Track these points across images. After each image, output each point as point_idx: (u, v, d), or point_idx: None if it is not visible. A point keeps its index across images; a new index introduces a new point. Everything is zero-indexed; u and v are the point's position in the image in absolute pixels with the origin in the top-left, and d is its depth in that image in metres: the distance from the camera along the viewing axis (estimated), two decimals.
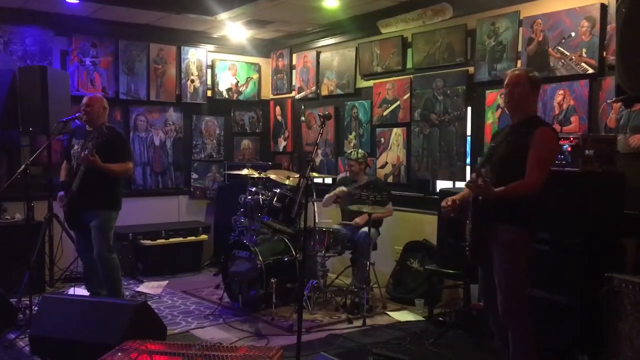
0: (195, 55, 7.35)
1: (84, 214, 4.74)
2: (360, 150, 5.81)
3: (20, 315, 4.66)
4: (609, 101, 4.26)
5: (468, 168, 5.43)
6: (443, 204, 3.48)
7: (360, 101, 6.55)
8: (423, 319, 5.07)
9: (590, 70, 4.44)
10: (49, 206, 5.61)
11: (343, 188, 5.66)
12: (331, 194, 5.73)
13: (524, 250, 3.26)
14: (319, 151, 7.00)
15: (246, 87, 7.83)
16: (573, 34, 4.54)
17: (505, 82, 3.36)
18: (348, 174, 5.86)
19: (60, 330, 3.79)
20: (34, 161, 4.79)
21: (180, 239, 6.82)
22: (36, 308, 4.42)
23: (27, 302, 4.59)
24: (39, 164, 5.72)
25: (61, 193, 4.82)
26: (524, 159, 3.17)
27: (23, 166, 4.56)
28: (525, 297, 3.30)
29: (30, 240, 5.16)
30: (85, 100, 4.85)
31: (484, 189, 3.07)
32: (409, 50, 5.95)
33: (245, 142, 7.92)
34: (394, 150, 6.15)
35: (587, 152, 3.89)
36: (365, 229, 5.26)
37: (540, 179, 3.15)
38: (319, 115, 6.81)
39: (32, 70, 5.61)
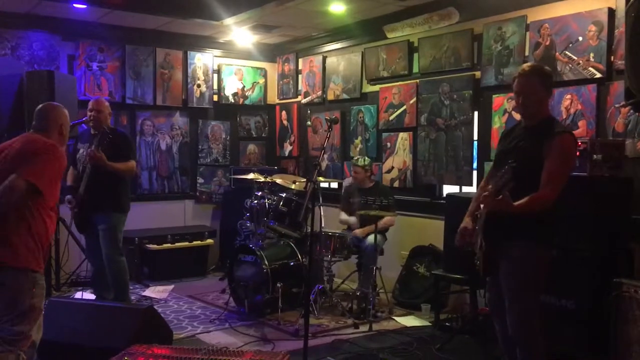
0: (202, 60, 7.37)
1: (93, 216, 4.76)
2: (366, 158, 5.80)
3: None
4: (617, 105, 4.25)
5: (475, 173, 5.42)
6: (459, 238, 3.26)
7: (367, 106, 6.55)
8: (429, 324, 5.05)
9: (598, 75, 4.42)
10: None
11: (354, 219, 5.64)
12: (347, 219, 5.74)
13: (534, 266, 3.04)
14: (325, 156, 7.00)
15: (252, 92, 7.84)
16: (580, 38, 4.53)
17: (515, 89, 3.10)
18: (353, 180, 5.86)
19: (67, 335, 3.79)
20: None
21: (186, 243, 6.82)
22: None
23: None
24: None
25: (69, 196, 4.83)
26: (540, 167, 2.94)
27: None
28: (537, 317, 3.07)
29: None
30: (93, 105, 4.86)
31: (503, 204, 2.85)
32: (415, 55, 5.94)
33: (251, 147, 7.93)
34: (400, 155, 6.14)
35: (595, 156, 3.88)
36: (372, 237, 5.24)
37: (556, 192, 2.92)
38: (325, 119, 6.81)
39: (39, 75, 5.62)
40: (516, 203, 2.88)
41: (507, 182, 2.81)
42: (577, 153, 3.82)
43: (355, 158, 5.85)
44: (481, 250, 3.13)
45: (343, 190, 6.13)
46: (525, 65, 3.20)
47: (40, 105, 3.31)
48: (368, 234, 5.38)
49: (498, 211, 2.95)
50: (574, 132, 4.44)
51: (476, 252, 3.20)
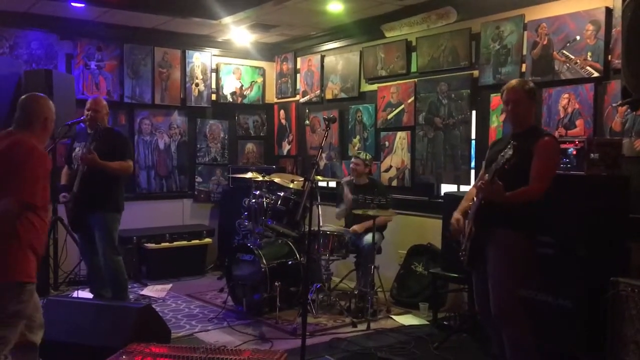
0: (200, 59, 7.37)
1: (87, 216, 4.76)
2: (368, 153, 5.83)
3: None
4: (614, 104, 4.26)
5: (472, 172, 5.42)
6: (453, 222, 3.52)
7: (365, 105, 6.55)
8: (427, 322, 5.06)
9: (596, 74, 4.43)
10: (54, 210, 5.62)
11: (348, 193, 5.66)
12: (341, 208, 5.76)
13: (520, 253, 3.29)
14: (323, 155, 7.00)
15: (250, 91, 7.84)
16: (578, 37, 4.54)
17: (504, 99, 3.44)
18: (351, 176, 5.86)
19: (65, 333, 3.79)
20: None
21: (185, 242, 6.83)
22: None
23: None
24: None
25: (63, 194, 4.84)
26: (527, 167, 3.22)
27: None
28: (519, 300, 3.33)
29: None
30: (90, 104, 4.86)
31: (497, 191, 3.13)
32: (414, 54, 5.95)
33: (250, 146, 7.93)
34: (398, 154, 6.15)
35: (592, 155, 3.89)
36: (370, 235, 5.25)
37: (544, 187, 3.22)
38: (323, 118, 6.76)
39: (37, 74, 5.62)
40: (508, 193, 3.16)
41: (510, 158, 3.07)
42: (561, 152, 3.92)
43: (358, 151, 5.90)
44: (469, 239, 3.37)
45: (340, 188, 6.13)
46: (513, 81, 3.55)
47: (23, 97, 3.12)
48: (367, 230, 5.38)
49: (491, 199, 3.21)
50: (571, 131, 4.55)
51: (463, 244, 3.44)
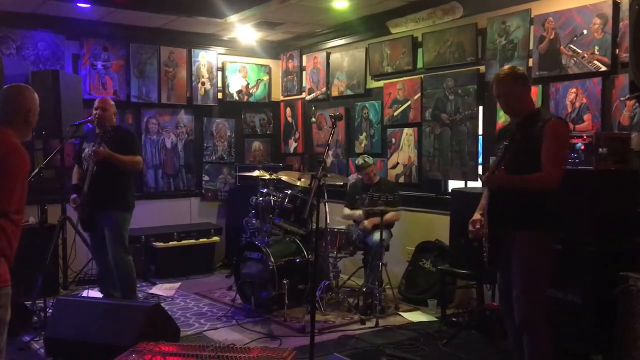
0: (206, 58, 7.38)
1: (97, 215, 4.77)
2: (365, 157, 5.73)
3: (35, 318, 4.69)
4: (622, 98, 4.23)
5: (480, 167, 5.41)
6: (471, 228, 3.37)
7: (371, 101, 6.54)
8: (436, 319, 5.05)
9: (603, 68, 4.40)
10: (62, 209, 5.65)
11: (360, 212, 5.62)
12: (351, 213, 5.74)
13: (542, 256, 3.18)
14: (330, 152, 7.00)
15: (256, 89, 7.85)
16: (585, 31, 4.51)
17: (495, 93, 3.28)
18: (358, 176, 5.86)
19: (75, 332, 3.82)
20: (47, 164, 4.82)
21: (192, 240, 6.85)
22: (50, 310, 4.45)
23: (42, 305, 4.63)
24: (52, 167, 5.76)
25: (74, 195, 4.85)
26: (537, 153, 3.09)
27: (36, 170, 4.58)
28: (544, 304, 3.22)
29: (44, 243, 5.19)
30: (98, 103, 4.87)
31: (500, 179, 3.05)
32: (419, 50, 5.93)
33: (256, 144, 7.94)
34: (405, 151, 6.14)
35: (600, 150, 3.86)
36: (377, 233, 5.24)
37: (559, 172, 3.09)
38: (330, 115, 6.79)
39: (44, 74, 5.65)
40: (514, 176, 3.07)
41: (502, 158, 3.03)
42: (570, 136, 3.84)
43: (357, 161, 5.78)
44: (487, 241, 3.26)
45: (348, 187, 6.13)
46: (499, 70, 3.41)
47: (5, 88, 2.86)
48: (375, 225, 5.38)
49: (500, 188, 3.12)
50: (579, 125, 4.52)
51: (484, 244, 3.31)
